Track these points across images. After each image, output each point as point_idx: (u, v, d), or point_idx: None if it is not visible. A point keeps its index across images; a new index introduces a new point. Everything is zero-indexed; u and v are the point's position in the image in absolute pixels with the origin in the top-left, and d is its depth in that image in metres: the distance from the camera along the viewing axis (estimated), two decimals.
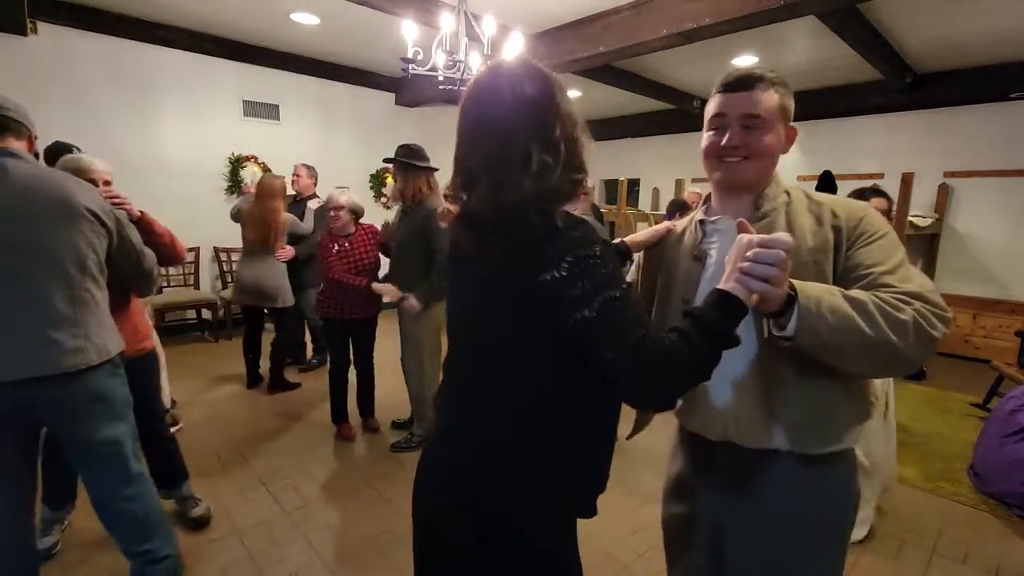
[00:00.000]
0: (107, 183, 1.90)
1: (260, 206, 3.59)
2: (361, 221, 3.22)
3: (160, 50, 4.88)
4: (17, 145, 1.49)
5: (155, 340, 2.25)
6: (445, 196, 1.03)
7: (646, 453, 3.10)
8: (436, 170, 2.91)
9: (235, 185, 5.47)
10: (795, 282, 0.88)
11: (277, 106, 5.72)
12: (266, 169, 5.61)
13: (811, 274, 0.97)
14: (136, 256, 1.71)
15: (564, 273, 0.82)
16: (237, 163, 5.46)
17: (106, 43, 4.61)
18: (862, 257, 0.96)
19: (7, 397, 1.39)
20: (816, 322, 0.86)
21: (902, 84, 5.18)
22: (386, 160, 2.90)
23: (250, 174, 5.57)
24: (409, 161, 2.80)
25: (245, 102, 5.49)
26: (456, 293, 1.04)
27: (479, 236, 0.93)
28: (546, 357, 0.87)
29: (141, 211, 1.93)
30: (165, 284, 5.04)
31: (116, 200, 1.76)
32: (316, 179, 4.34)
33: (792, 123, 1.06)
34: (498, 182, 0.88)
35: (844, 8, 3.59)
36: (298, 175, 4.26)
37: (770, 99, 1.00)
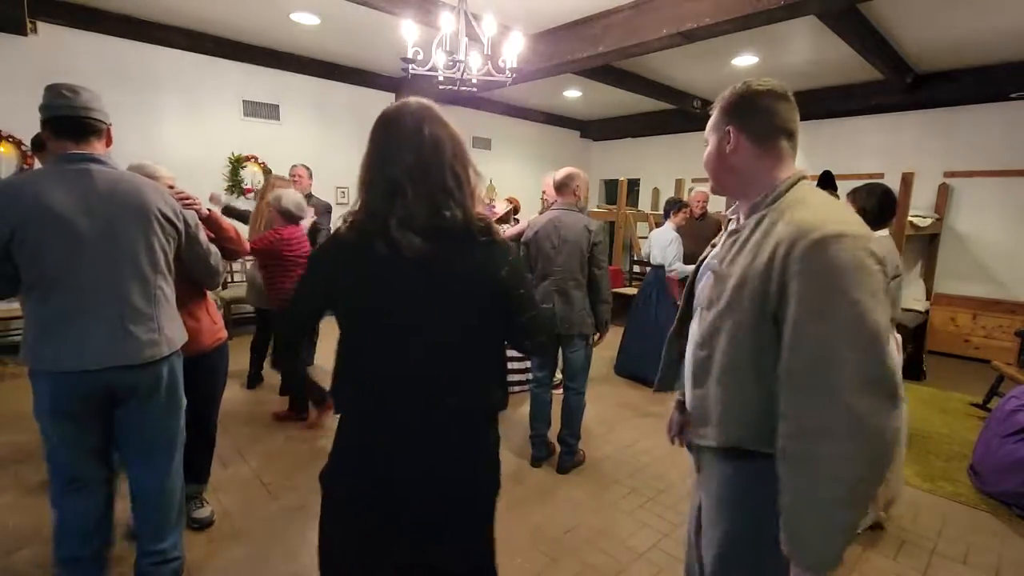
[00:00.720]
0: (171, 187, 1.99)
1: (256, 206, 3.64)
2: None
3: (160, 50, 4.88)
4: (98, 146, 1.59)
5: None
6: (360, 215, 1.12)
7: (645, 455, 3.11)
8: None
9: (235, 185, 5.47)
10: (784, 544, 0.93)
11: (277, 106, 5.73)
12: (266, 169, 5.61)
13: (736, 309, 1.00)
14: (204, 254, 1.83)
15: (507, 271, 1.13)
16: (237, 163, 5.46)
17: (106, 43, 4.61)
18: (788, 314, 0.92)
19: (93, 383, 1.53)
20: (811, 546, 0.91)
21: (902, 84, 5.18)
22: None
23: (250, 174, 5.58)
24: None
25: (245, 102, 5.49)
26: (396, 301, 1.10)
27: (436, 241, 1.06)
28: (501, 332, 1.21)
29: (209, 209, 2.04)
30: None
31: (187, 201, 1.87)
32: (312, 179, 4.36)
33: (730, 126, 1.08)
34: (433, 195, 1.06)
35: (844, 8, 3.59)
36: (300, 175, 4.26)
37: (710, 121, 1.14)
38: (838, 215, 0.95)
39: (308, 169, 4.31)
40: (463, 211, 1.08)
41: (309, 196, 4.28)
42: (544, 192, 4.46)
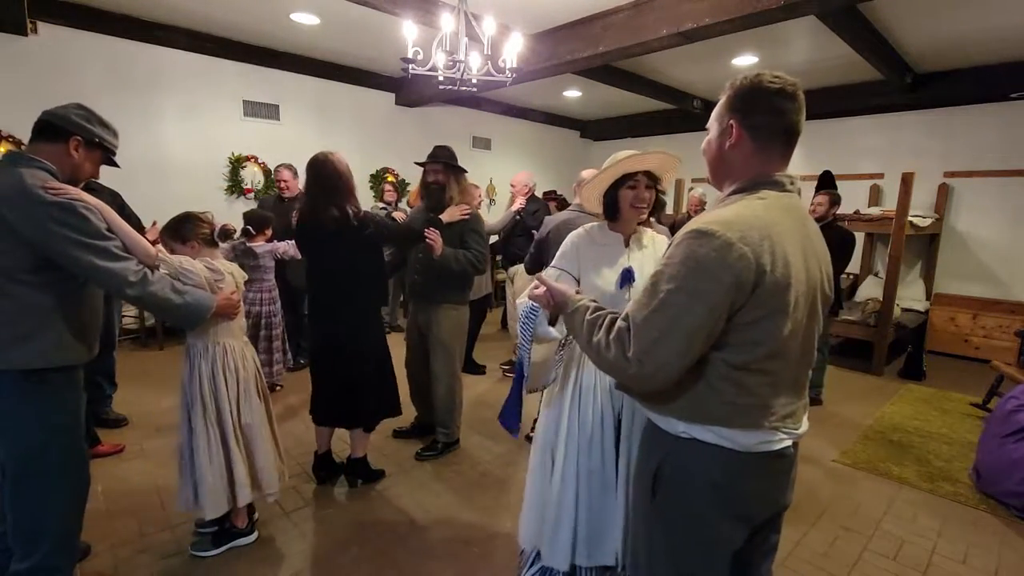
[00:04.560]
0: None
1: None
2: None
3: (160, 50, 4.88)
4: (45, 148, 1.56)
5: None
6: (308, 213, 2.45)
7: None
8: (456, 168, 2.90)
9: (235, 185, 5.47)
10: None
11: (277, 106, 5.72)
12: (266, 169, 5.61)
13: None
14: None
15: (371, 230, 2.39)
16: (237, 163, 5.46)
17: (106, 43, 4.61)
18: None
19: None
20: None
21: (902, 84, 5.18)
22: (421, 163, 2.92)
23: (250, 174, 5.57)
24: (458, 164, 2.83)
25: (245, 102, 5.49)
26: (317, 250, 2.46)
27: (326, 222, 2.33)
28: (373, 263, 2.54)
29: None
30: None
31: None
32: (297, 178, 4.34)
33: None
34: (334, 200, 2.33)
35: (843, 8, 3.59)
36: (286, 179, 4.24)
37: (716, 107, 1.18)
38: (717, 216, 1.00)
39: (292, 170, 4.27)
40: (337, 205, 2.32)
41: (298, 196, 4.26)
42: (513, 187, 4.48)
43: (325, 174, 2.32)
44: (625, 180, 1.67)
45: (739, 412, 1.02)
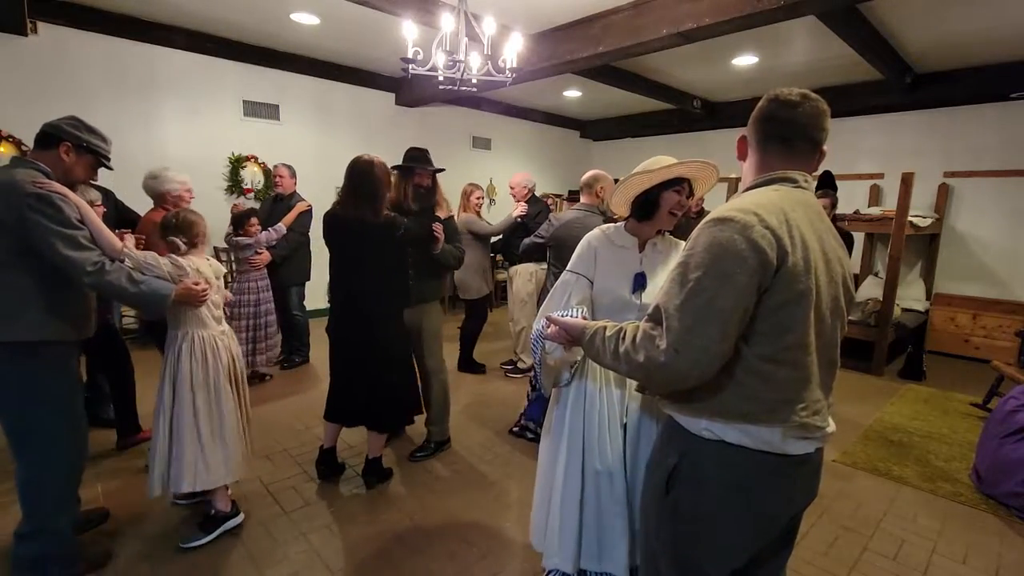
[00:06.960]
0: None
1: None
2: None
3: (160, 50, 4.88)
4: (41, 155, 1.80)
5: None
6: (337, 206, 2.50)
7: None
8: (441, 170, 2.91)
9: (235, 185, 5.47)
10: None
11: (277, 106, 5.72)
12: (266, 169, 5.60)
13: None
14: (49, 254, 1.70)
15: (402, 231, 2.46)
16: (237, 163, 5.46)
17: (106, 43, 4.61)
18: None
19: None
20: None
21: (902, 84, 5.18)
22: (406, 166, 2.84)
23: (250, 174, 5.58)
24: (404, 165, 2.82)
25: (245, 102, 5.49)
26: (347, 250, 2.45)
27: (363, 225, 2.40)
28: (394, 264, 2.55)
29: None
30: None
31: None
32: (295, 178, 4.38)
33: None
34: (373, 204, 2.41)
35: (843, 8, 3.59)
36: (282, 175, 4.28)
37: None
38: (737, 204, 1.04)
39: (290, 168, 4.33)
40: (374, 209, 2.40)
41: (292, 195, 4.29)
42: (512, 190, 4.47)
43: (366, 178, 2.39)
44: (672, 183, 1.62)
45: (765, 407, 1.02)
